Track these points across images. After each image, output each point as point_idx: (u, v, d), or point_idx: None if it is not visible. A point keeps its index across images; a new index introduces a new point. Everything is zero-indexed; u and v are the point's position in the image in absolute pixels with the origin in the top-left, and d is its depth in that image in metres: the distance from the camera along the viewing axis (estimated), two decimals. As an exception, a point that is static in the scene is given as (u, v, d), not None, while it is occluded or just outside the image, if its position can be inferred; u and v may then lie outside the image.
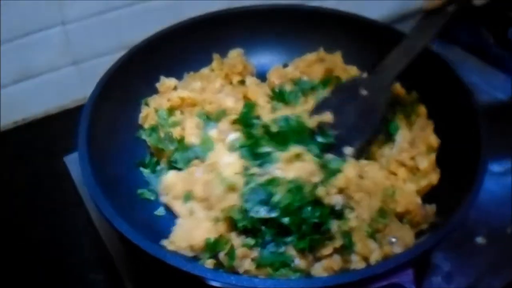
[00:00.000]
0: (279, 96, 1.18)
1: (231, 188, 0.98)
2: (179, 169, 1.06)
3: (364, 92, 1.10)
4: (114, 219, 0.85)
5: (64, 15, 1.22)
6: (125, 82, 1.12)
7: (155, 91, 1.18)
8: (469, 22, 1.46)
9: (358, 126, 1.07)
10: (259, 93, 1.18)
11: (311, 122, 1.07)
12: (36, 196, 1.16)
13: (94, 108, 1.03)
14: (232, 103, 1.15)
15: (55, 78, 1.29)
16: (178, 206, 1.00)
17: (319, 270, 0.90)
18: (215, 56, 1.24)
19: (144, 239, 0.82)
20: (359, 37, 1.25)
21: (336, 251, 0.91)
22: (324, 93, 1.16)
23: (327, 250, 0.90)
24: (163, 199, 1.03)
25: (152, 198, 1.04)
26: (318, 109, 1.10)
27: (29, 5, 1.17)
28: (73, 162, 1.15)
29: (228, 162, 1.03)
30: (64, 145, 1.18)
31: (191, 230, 0.94)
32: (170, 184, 1.03)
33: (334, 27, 1.26)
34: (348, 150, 1.04)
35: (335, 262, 0.90)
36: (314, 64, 1.23)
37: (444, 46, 1.43)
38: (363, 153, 1.06)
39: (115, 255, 1.02)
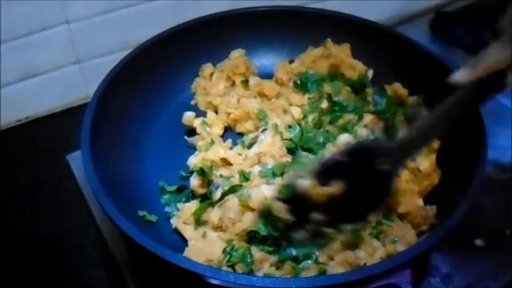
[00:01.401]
0: (301, 86, 1.20)
1: (247, 208, 0.97)
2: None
3: (381, 165, 0.88)
4: (116, 216, 0.86)
5: (68, 14, 1.22)
6: (129, 81, 1.13)
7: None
8: (471, 24, 1.47)
9: (363, 203, 0.90)
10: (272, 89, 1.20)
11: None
12: (38, 193, 1.16)
13: (97, 107, 1.03)
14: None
15: (58, 77, 1.30)
16: (189, 232, 0.99)
17: (335, 265, 0.90)
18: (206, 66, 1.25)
19: (146, 237, 0.83)
20: (361, 40, 1.25)
21: (346, 246, 0.92)
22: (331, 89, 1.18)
23: (335, 245, 0.91)
24: (174, 222, 1.01)
25: (154, 220, 1.01)
26: (325, 171, 0.89)
27: (33, 4, 1.17)
28: (76, 160, 1.14)
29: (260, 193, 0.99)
30: (67, 143, 1.18)
31: (206, 249, 0.94)
32: (186, 208, 1.01)
33: (336, 29, 1.26)
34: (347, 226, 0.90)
35: (349, 256, 0.90)
36: (320, 59, 1.24)
37: (446, 48, 1.44)
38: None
39: (117, 253, 1.03)
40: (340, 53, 1.24)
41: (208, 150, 1.09)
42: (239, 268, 0.91)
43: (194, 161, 1.09)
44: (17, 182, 1.19)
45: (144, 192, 1.06)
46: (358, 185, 0.87)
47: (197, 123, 1.16)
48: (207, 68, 1.24)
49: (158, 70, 1.20)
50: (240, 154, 1.09)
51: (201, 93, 1.22)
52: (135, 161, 1.10)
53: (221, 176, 1.04)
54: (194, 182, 1.05)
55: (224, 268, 0.91)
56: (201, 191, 1.04)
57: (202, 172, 1.03)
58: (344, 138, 1.09)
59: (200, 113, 1.20)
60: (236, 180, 1.02)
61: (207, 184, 1.04)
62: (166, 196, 1.06)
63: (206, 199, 1.02)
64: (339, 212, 0.87)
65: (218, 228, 0.98)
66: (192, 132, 1.17)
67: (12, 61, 1.22)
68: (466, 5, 1.56)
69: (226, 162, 1.08)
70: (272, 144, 1.07)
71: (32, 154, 1.24)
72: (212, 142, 1.11)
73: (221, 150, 1.08)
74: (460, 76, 0.92)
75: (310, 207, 0.87)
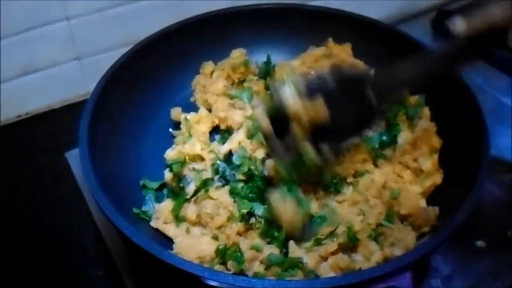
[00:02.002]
0: None
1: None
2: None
3: (369, 92, 0.92)
4: (114, 216, 0.86)
5: (68, 10, 1.22)
6: (129, 79, 1.13)
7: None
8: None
9: (347, 125, 0.94)
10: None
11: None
12: (37, 190, 1.16)
13: (96, 105, 1.03)
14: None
15: (58, 73, 1.30)
16: (171, 230, 0.99)
17: (326, 269, 0.90)
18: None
19: (143, 237, 0.83)
20: (362, 38, 1.24)
21: (342, 249, 0.92)
22: None
23: (332, 247, 0.91)
24: (154, 223, 1.00)
25: (148, 218, 1.01)
26: (311, 90, 0.91)
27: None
28: (75, 158, 1.14)
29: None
30: (66, 139, 1.18)
31: (194, 245, 0.94)
32: (162, 208, 1.01)
33: (337, 27, 1.26)
34: (325, 147, 0.93)
35: (341, 260, 0.90)
36: (321, 59, 1.23)
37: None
38: (338, 154, 0.96)
39: (115, 251, 1.03)
40: (341, 53, 1.23)
41: (185, 143, 1.10)
42: (230, 266, 0.91)
43: (170, 154, 1.10)
44: (16, 178, 1.19)
45: (140, 190, 1.06)
46: (340, 108, 0.90)
47: (182, 117, 1.16)
48: (208, 65, 1.24)
49: (158, 68, 1.20)
50: (212, 151, 1.09)
51: (199, 90, 1.21)
52: (133, 159, 1.09)
53: (194, 169, 1.05)
54: (167, 175, 1.06)
55: (217, 266, 0.91)
56: (174, 184, 1.05)
57: (171, 169, 1.05)
58: None
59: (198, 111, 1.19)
60: (208, 174, 1.04)
61: (177, 179, 1.05)
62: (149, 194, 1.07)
63: (180, 195, 1.02)
64: (319, 132, 0.90)
65: (196, 224, 0.98)
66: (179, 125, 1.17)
67: (12, 57, 1.22)
68: (468, 4, 1.56)
69: (201, 158, 1.09)
70: (244, 140, 1.08)
71: (32, 150, 1.24)
72: (190, 136, 1.11)
73: (197, 145, 1.09)
74: (461, 25, 0.88)
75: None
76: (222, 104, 1.17)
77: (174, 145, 1.12)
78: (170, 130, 1.17)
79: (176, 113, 1.18)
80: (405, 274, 0.78)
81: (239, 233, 0.96)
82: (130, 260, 1.01)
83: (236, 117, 1.15)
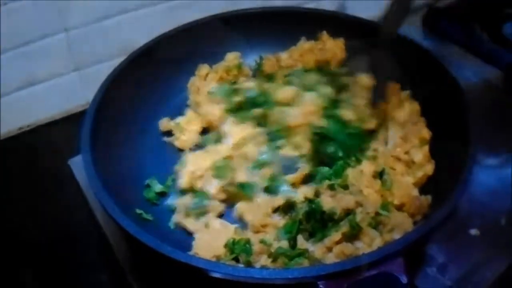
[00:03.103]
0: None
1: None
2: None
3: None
4: (117, 215, 0.88)
5: (66, 22, 1.24)
6: (127, 85, 1.15)
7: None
8: (463, 20, 1.48)
9: None
10: None
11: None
12: (41, 199, 1.17)
13: (97, 110, 1.06)
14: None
15: (58, 84, 1.31)
16: (191, 224, 1.01)
17: (332, 258, 0.91)
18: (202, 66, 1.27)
19: (146, 234, 0.84)
20: (356, 38, 1.26)
21: (345, 238, 0.94)
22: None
23: (336, 237, 0.93)
24: (175, 217, 1.03)
25: (151, 219, 1.02)
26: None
27: (32, 12, 1.19)
28: (78, 164, 1.16)
29: None
30: (69, 150, 1.19)
31: (212, 242, 0.96)
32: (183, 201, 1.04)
33: (332, 28, 1.28)
34: None
35: (346, 248, 0.91)
36: (308, 53, 1.26)
37: (437, 42, 1.45)
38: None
39: (120, 256, 1.03)
40: (334, 48, 1.25)
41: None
42: (240, 258, 0.93)
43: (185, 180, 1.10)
44: (20, 189, 1.19)
45: (142, 192, 1.08)
46: None
47: (172, 124, 1.18)
48: (204, 68, 1.26)
49: (156, 73, 1.22)
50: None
51: (194, 92, 1.23)
52: (133, 162, 1.10)
53: None
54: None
55: (228, 262, 0.92)
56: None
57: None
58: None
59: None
60: None
61: None
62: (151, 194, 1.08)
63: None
64: None
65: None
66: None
67: (12, 70, 1.23)
68: (458, 1, 1.58)
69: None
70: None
71: (34, 160, 1.25)
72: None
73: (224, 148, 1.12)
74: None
75: None
76: (206, 104, 1.19)
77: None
78: (165, 138, 1.19)
79: (164, 123, 1.19)
80: (397, 260, 0.79)
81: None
82: (137, 265, 1.01)
83: (215, 110, 1.17)
